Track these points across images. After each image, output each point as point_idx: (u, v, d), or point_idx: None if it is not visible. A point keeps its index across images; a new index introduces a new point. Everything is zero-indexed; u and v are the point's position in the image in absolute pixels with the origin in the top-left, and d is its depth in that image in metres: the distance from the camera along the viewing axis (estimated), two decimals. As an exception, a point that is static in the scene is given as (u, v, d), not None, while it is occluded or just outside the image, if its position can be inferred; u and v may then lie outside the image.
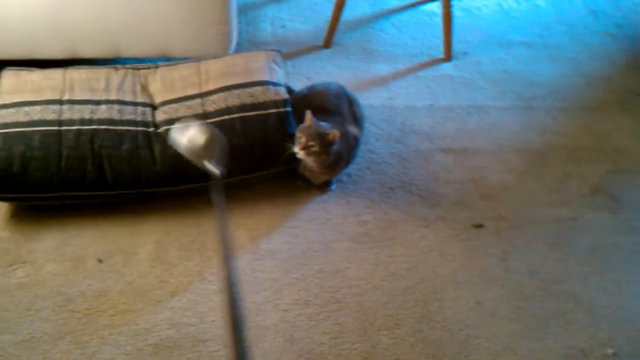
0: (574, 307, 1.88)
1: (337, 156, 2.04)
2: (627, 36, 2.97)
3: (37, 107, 2.02)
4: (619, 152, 2.38)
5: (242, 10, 2.87)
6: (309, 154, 1.96)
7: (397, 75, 2.64)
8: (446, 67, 2.70)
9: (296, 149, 1.97)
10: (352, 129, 2.11)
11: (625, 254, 2.04)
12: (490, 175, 2.26)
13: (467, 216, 2.11)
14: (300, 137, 1.96)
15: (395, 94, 2.54)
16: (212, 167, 1.66)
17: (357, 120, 2.18)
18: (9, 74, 2.14)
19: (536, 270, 1.97)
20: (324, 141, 1.94)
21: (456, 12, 2.72)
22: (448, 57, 2.73)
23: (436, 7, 2.97)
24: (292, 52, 2.70)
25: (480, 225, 2.08)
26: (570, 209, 2.15)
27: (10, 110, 2.01)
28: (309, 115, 1.96)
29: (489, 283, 1.93)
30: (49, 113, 2.00)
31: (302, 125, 1.97)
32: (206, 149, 1.70)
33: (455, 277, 1.94)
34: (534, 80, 2.66)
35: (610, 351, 1.79)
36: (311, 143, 1.94)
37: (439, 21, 2.73)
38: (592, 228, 2.11)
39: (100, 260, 1.91)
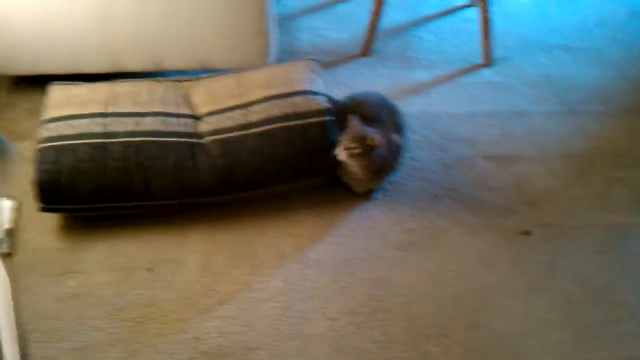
0: (626, 316, 1.84)
1: (380, 164, 2.04)
2: (670, 37, 2.93)
3: (84, 120, 2.05)
4: (667, 156, 2.34)
5: (280, 21, 2.88)
6: (350, 155, 1.97)
7: (437, 82, 2.63)
8: (486, 73, 2.69)
9: (338, 151, 1.98)
10: (395, 137, 2.11)
11: (678, 260, 2.00)
12: (535, 181, 2.23)
13: (513, 223, 2.09)
14: (343, 140, 1.97)
15: (435, 100, 2.54)
16: None
17: (399, 128, 2.17)
18: (56, 89, 2.19)
19: (585, 278, 1.94)
20: (364, 144, 1.95)
21: (495, 17, 2.70)
22: (488, 62, 2.71)
23: (474, 13, 2.95)
24: (330, 61, 2.71)
25: (527, 232, 2.06)
26: (619, 215, 2.12)
27: (58, 123, 2.05)
28: (352, 119, 1.97)
29: (538, 291, 1.91)
30: (95, 126, 2.04)
31: (346, 130, 1.99)
32: None
33: (503, 285, 1.92)
34: (576, 85, 2.63)
35: (668, 362, 1.76)
36: (352, 145, 1.95)
37: (476, 27, 2.72)
38: (642, 235, 2.08)
39: (149, 270, 1.94)
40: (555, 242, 2.04)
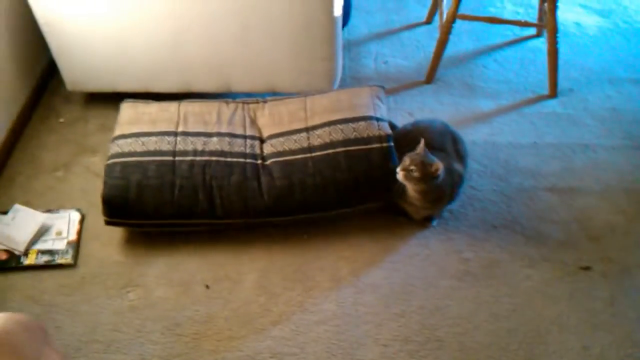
0: (689, 358, 1.79)
1: (440, 192, 2.04)
2: None
3: (153, 138, 2.13)
4: None
5: (346, 47, 2.92)
6: (406, 177, 1.97)
7: (500, 112, 2.62)
8: (551, 104, 2.65)
9: (397, 169, 1.99)
10: (457, 166, 2.11)
11: None
12: (597, 215, 2.19)
13: (573, 258, 2.06)
14: (405, 160, 1.98)
15: (498, 130, 2.52)
16: None
17: (461, 157, 2.17)
18: (128, 106, 2.28)
19: (647, 316, 1.90)
20: (425, 170, 1.95)
21: (561, 47, 2.67)
22: (553, 93, 2.69)
23: (540, 43, 2.94)
24: (394, 87, 2.73)
25: (587, 268, 2.02)
26: (683, 254, 2.07)
27: (128, 140, 2.13)
28: (422, 143, 1.98)
29: (596, 328, 1.87)
30: (164, 144, 2.11)
31: (413, 152, 2.00)
32: None
33: (560, 320, 1.89)
34: (643, 119, 2.59)
35: None
36: (412, 167, 1.95)
37: (543, 57, 2.70)
38: None
39: (207, 287, 1.98)
40: (616, 278, 2.00)
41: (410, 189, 2.01)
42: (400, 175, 1.98)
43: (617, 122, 2.57)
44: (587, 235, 2.13)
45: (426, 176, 1.96)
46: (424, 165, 1.95)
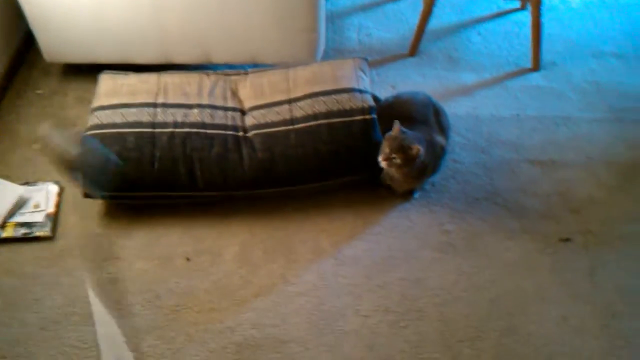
0: (666, 329, 1.81)
1: (422, 167, 2.02)
2: None
3: (133, 110, 2.10)
4: None
5: (329, 19, 2.89)
6: (390, 165, 1.96)
7: (483, 85, 2.61)
8: (534, 77, 2.65)
9: (379, 158, 1.97)
10: (439, 139, 2.10)
11: None
12: (578, 188, 2.20)
13: (554, 230, 2.06)
14: (385, 148, 1.96)
15: (481, 103, 2.51)
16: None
17: (444, 129, 2.16)
18: (107, 78, 2.24)
19: (625, 288, 1.91)
20: (406, 155, 1.93)
21: (545, 21, 2.66)
22: (536, 67, 2.68)
23: (524, 17, 2.92)
24: (377, 60, 2.71)
25: (567, 240, 2.03)
26: (663, 226, 2.08)
27: (107, 111, 2.10)
28: (396, 125, 1.96)
29: (576, 299, 1.89)
30: (144, 115, 2.08)
31: (388, 134, 1.97)
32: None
33: (540, 291, 1.90)
34: (626, 92, 2.58)
35: None
36: (394, 155, 1.93)
37: (527, 31, 2.68)
38: (687, 247, 2.02)
39: (188, 259, 1.97)
40: (597, 250, 2.01)
41: (394, 171, 2.00)
42: (383, 164, 1.96)
43: (599, 95, 2.57)
44: (568, 208, 2.13)
45: (408, 160, 1.94)
46: (404, 150, 1.92)
